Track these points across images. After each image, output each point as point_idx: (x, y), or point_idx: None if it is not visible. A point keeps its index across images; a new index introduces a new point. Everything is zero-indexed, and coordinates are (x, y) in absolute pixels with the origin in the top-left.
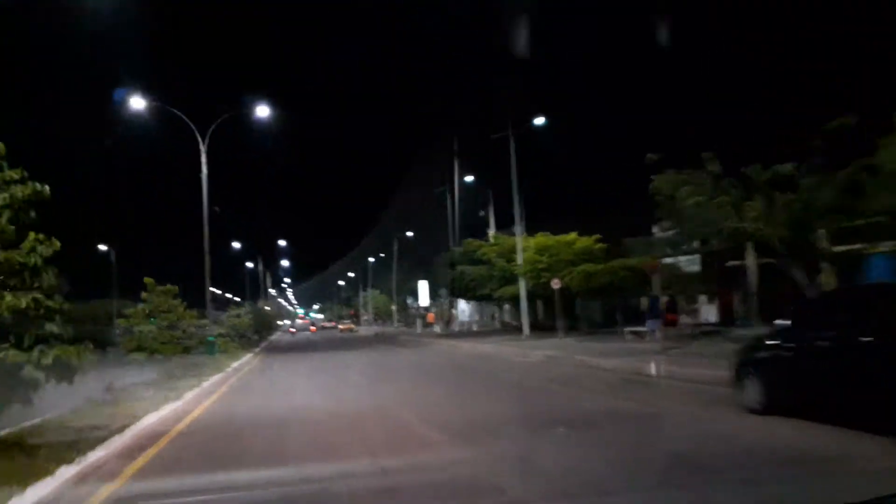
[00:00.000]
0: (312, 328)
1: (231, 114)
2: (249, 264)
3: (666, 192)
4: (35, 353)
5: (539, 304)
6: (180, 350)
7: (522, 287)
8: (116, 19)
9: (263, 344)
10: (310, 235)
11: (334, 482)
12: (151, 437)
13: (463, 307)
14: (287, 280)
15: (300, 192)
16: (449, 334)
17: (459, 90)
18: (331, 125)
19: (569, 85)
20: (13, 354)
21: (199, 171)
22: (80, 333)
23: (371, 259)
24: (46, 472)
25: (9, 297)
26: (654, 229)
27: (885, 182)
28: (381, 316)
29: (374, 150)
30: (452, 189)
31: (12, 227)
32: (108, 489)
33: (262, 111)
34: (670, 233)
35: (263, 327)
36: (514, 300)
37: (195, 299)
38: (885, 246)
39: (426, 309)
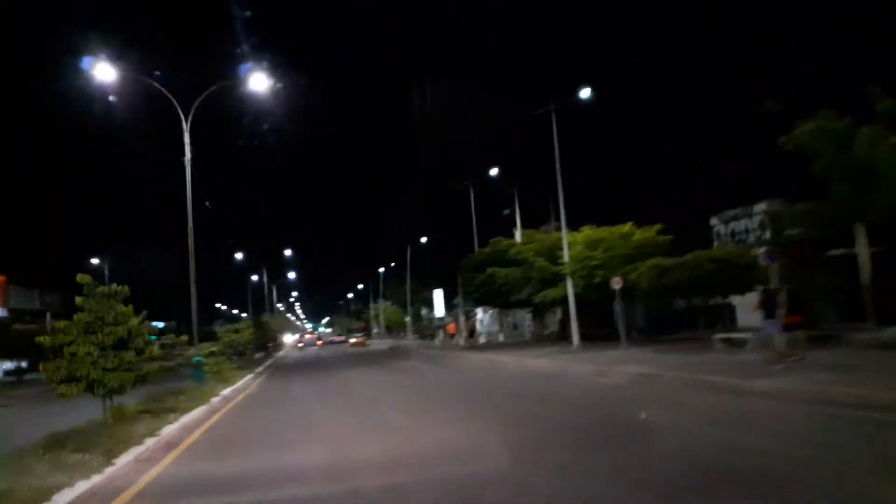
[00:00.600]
0: (319, 343)
1: (222, 84)
2: (254, 277)
3: (818, 145)
4: None
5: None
6: (130, 379)
7: (570, 288)
8: None
9: (268, 362)
10: (317, 247)
11: None
12: None
13: (479, 317)
14: (294, 294)
15: (305, 197)
16: (475, 347)
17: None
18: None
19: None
20: None
21: (189, 155)
22: None
23: (381, 269)
24: None
25: None
26: (760, 206)
27: None
28: (394, 328)
29: (381, 147)
30: (476, 184)
31: None
32: None
33: (259, 82)
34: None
35: (268, 343)
36: (557, 305)
37: (202, 314)
38: None
39: (440, 320)
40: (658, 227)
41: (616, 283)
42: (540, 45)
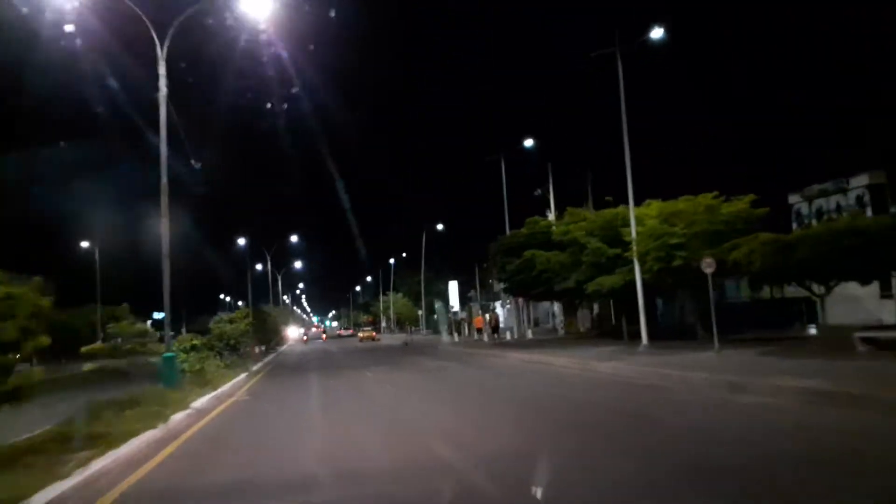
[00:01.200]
0: (324, 336)
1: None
2: (258, 266)
3: None
4: None
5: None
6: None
7: (638, 274)
8: None
9: (268, 358)
10: (324, 236)
11: None
12: None
13: (498, 311)
14: (301, 285)
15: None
16: (504, 344)
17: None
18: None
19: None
20: None
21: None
22: None
23: (392, 260)
24: None
25: None
26: (860, 178)
27: None
28: (405, 322)
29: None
30: (506, 157)
31: None
32: None
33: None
34: None
35: (271, 337)
36: (613, 295)
37: (206, 305)
38: None
39: (454, 314)
40: (751, 197)
41: (708, 266)
42: None
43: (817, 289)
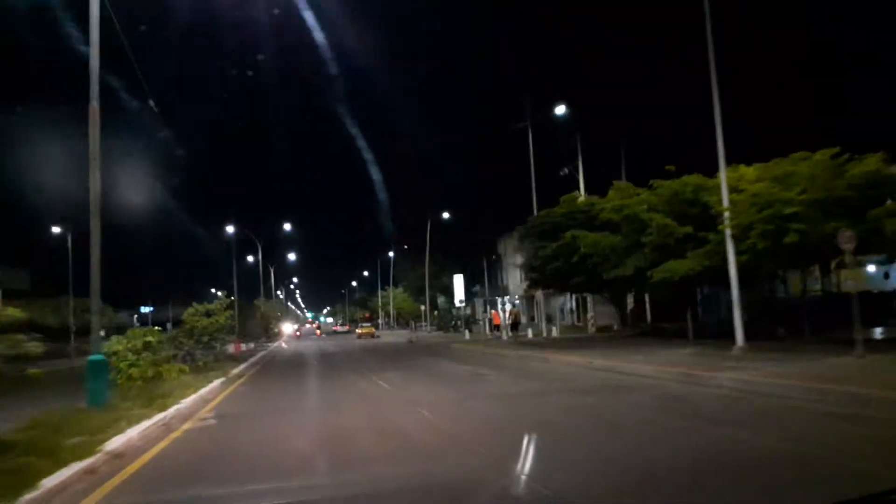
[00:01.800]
0: (318, 332)
1: None
2: (250, 258)
3: None
4: None
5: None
6: None
7: (731, 255)
8: None
9: (255, 358)
10: (318, 227)
11: None
12: None
13: (508, 306)
14: (295, 280)
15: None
16: (529, 342)
17: None
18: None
19: None
20: None
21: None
22: None
23: (391, 254)
24: None
25: None
26: None
27: None
28: (406, 318)
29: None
30: (532, 125)
31: None
32: None
33: None
34: None
35: (259, 333)
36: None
37: (200, 299)
38: None
39: (459, 309)
40: (881, 155)
41: (847, 241)
42: None
43: None
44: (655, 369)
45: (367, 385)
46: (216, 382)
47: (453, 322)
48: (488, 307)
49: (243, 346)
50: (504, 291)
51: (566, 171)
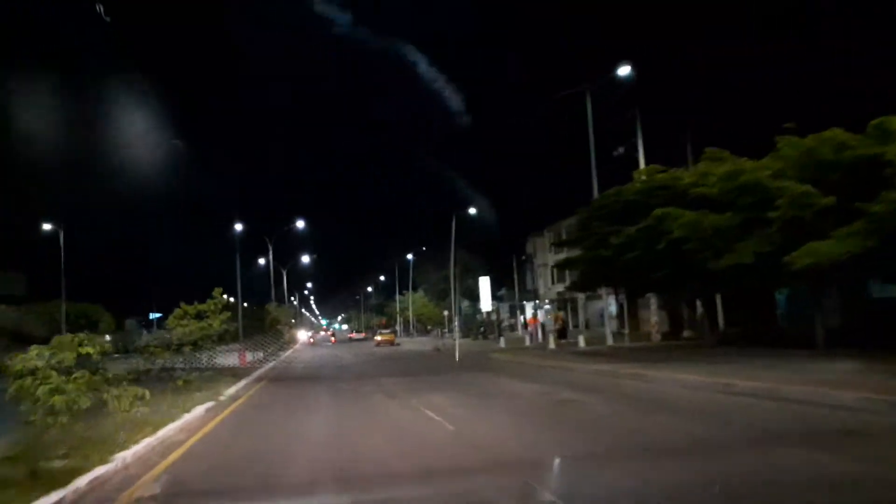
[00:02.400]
0: (332, 339)
1: None
2: (261, 261)
3: None
4: None
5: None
6: None
7: None
8: None
9: (261, 371)
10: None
11: None
12: None
13: (539, 313)
14: (309, 285)
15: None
16: (581, 352)
17: None
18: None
19: None
20: None
21: None
22: None
23: (410, 256)
24: None
25: None
26: None
27: None
28: (427, 324)
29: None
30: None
31: None
32: None
33: None
34: None
35: (270, 340)
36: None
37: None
38: None
39: (485, 314)
40: None
41: None
42: None
43: None
44: (858, 397)
45: (410, 417)
46: (198, 410)
47: (481, 328)
48: (519, 312)
49: (251, 357)
50: (534, 295)
51: (621, 150)
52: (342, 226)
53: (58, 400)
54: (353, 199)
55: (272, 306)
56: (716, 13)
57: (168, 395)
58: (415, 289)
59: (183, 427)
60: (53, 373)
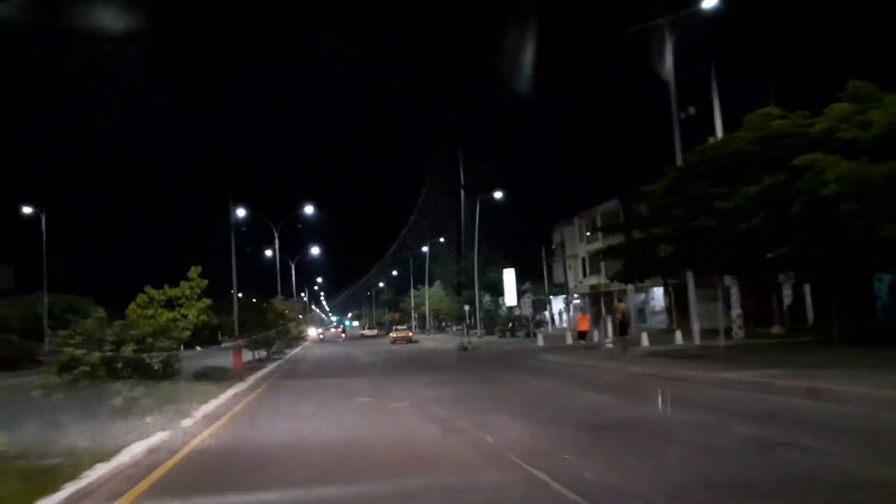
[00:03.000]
0: (343, 336)
1: None
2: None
3: None
4: None
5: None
6: None
7: None
8: None
9: (260, 374)
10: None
11: None
12: None
13: (570, 306)
14: (319, 280)
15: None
16: (654, 353)
17: None
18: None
19: None
20: None
21: None
22: None
23: (425, 249)
24: None
25: None
26: None
27: None
28: (444, 320)
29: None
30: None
31: None
32: None
33: None
34: None
35: (273, 338)
36: None
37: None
38: None
39: (510, 309)
40: None
41: None
42: None
43: None
44: None
45: (499, 478)
46: (137, 451)
47: (509, 325)
48: (549, 307)
49: (251, 355)
50: (560, 290)
51: (691, 110)
52: (353, 218)
53: None
54: (362, 184)
55: (279, 300)
56: None
57: (87, 426)
58: (430, 283)
59: None
60: None
